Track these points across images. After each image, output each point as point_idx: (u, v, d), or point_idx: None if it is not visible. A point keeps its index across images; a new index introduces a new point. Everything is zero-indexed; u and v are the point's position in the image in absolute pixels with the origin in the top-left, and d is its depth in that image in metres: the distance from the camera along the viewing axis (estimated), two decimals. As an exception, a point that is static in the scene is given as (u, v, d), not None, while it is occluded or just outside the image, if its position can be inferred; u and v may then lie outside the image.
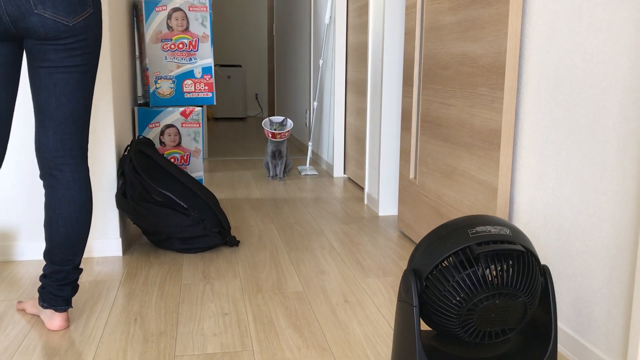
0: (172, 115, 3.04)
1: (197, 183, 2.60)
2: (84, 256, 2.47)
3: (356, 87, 3.95)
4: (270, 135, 4.21)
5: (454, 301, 1.35)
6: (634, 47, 1.40)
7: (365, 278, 2.27)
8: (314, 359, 1.67)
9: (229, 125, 7.98)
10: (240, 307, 1.99)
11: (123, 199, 2.36)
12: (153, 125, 3.03)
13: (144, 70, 3.06)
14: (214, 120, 8.59)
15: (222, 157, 5.27)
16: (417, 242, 2.63)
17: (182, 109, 3.05)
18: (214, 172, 4.55)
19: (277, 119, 4.24)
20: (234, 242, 2.58)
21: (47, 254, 1.79)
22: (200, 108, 3.07)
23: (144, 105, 3.10)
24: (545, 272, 1.45)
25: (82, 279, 2.23)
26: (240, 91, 8.50)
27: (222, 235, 2.53)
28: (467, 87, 2.14)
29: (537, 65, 1.78)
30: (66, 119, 1.73)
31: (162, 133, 3.04)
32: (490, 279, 1.34)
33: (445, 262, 1.38)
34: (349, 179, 4.28)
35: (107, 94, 2.35)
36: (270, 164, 4.29)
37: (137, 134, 3.03)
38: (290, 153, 5.43)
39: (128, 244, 2.64)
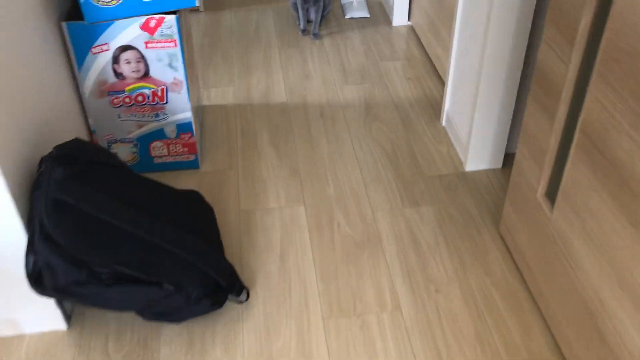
0: (129, 31, 1.79)
1: (173, 217, 1.54)
2: (11, 334, 1.59)
3: None
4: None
5: None
6: None
7: None
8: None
9: None
10: None
11: (41, 287, 1.37)
12: (98, 49, 1.80)
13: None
14: None
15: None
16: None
17: (142, 19, 1.77)
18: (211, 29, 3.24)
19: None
20: (241, 298, 1.63)
21: None
22: (173, 16, 1.78)
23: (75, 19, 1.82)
24: None
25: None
26: None
27: (217, 298, 1.57)
28: None
29: None
30: None
31: (115, 60, 1.83)
32: None
33: None
34: (413, 30, 2.95)
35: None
36: (300, 8, 2.95)
37: (75, 69, 1.83)
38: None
39: (75, 309, 1.69)
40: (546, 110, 1.44)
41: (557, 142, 1.42)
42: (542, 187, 1.51)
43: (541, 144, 1.48)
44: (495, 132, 2.03)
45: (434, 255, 1.77)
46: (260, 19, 3.15)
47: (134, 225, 1.41)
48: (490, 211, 1.92)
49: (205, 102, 2.50)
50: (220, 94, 2.55)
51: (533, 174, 1.55)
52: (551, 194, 1.49)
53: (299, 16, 2.98)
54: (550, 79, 1.40)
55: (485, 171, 2.09)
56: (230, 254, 1.78)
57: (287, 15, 3.18)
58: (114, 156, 1.58)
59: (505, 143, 2.07)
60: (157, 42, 1.81)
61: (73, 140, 1.45)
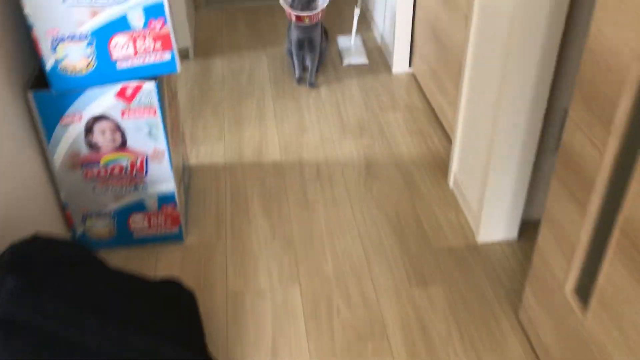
0: (102, 100, 1.61)
1: (148, 319, 1.34)
2: None
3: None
4: (294, 19, 2.64)
5: None
6: None
7: None
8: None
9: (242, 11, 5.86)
10: None
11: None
12: (69, 119, 1.63)
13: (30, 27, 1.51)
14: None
15: (220, 52, 3.66)
16: None
17: (118, 87, 1.60)
18: (203, 85, 3.08)
19: (305, -10, 2.62)
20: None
21: None
22: (153, 83, 1.61)
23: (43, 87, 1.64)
24: None
25: None
26: None
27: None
28: None
29: None
30: None
31: (89, 130, 1.65)
32: None
33: None
34: (414, 78, 2.78)
35: None
36: (295, 55, 2.79)
37: (43, 142, 1.64)
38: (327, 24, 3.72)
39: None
40: (574, 197, 1.25)
41: (588, 234, 1.23)
42: (570, 282, 1.32)
43: (569, 234, 1.29)
44: (511, 200, 1.84)
45: (447, 349, 1.56)
46: (254, 66, 2.99)
47: (102, 338, 1.21)
48: (507, 292, 1.73)
49: (193, 160, 2.32)
50: (209, 152, 2.37)
51: (559, 266, 1.35)
52: (582, 291, 1.29)
53: (294, 64, 2.82)
54: (580, 164, 1.22)
55: (500, 243, 1.90)
56: (216, 348, 1.58)
57: (282, 62, 3.01)
58: (81, 249, 1.38)
59: (522, 210, 1.89)
60: (135, 111, 1.63)
61: (31, 238, 1.25)
